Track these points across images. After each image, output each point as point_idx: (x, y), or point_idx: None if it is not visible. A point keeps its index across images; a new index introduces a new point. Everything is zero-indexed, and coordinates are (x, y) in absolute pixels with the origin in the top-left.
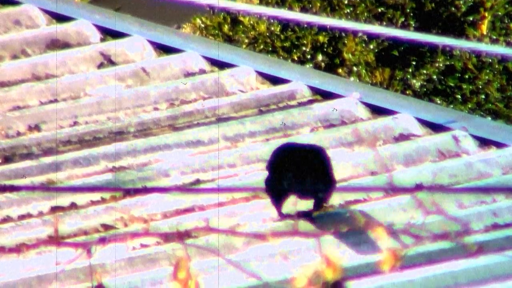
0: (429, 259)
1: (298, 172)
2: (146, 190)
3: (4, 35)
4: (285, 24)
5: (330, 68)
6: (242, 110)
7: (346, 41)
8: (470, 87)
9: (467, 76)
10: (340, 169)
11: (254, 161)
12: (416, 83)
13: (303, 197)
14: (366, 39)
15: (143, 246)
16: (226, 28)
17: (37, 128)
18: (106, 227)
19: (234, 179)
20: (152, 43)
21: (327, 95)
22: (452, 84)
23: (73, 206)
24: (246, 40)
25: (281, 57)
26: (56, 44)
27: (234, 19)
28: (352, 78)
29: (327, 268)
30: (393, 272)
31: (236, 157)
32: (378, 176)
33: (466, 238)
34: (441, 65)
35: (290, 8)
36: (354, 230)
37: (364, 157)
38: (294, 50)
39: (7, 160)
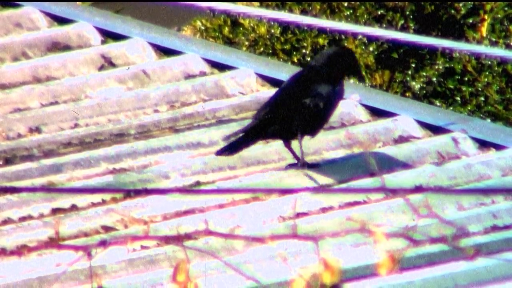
0: (429, 261)
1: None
2: (146, 192)
3: (5, 37)
4: (285, 27)
5: None
6: (242, 112)
7: (346, 43)
8: (470, 89)
9: (466, 78)
10: (340, 171)
11: (254, 163)
12: (416, 85)
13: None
14: (366, 41)
15: (143, 247)
16: (226, 30)
17: (37, 130)
18: (107, 228)
19: (234, 181)
20: (153, 45)
21: None
22: (451, 86)
23: (74, 208)
24: (246, 43)
25: (281, 60)
26: (57, 46)
27: (234, 21)
28: (351, 80)
29: (326, 270)
30: (392, 274)
31: (236, 159)
32: (377, 178)
33: (464, 241)
34: (440, 67)
35: (290, 10)
36: (352, 232)
37: (363, 159)
38: (294, 53)
39: (8, 162)
